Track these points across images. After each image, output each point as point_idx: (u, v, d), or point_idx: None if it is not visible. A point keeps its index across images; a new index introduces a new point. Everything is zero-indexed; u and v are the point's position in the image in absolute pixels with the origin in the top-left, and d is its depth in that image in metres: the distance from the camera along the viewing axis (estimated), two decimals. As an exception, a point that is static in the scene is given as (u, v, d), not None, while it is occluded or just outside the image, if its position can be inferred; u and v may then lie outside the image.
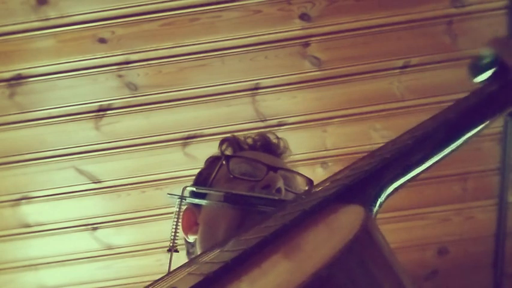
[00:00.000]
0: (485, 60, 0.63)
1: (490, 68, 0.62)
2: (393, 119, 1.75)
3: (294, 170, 0.90)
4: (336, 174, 0.56)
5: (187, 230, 0.89)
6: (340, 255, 0.35)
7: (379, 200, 0.51)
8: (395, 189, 0.52)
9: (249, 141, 0.97)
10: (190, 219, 0.88)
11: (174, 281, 0.50)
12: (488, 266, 2.04)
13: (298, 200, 0.59)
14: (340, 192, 0.49)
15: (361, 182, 0.50)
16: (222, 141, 0.97)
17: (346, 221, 0.42)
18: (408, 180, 0.53)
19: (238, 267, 0.40)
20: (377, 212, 0.50)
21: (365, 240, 0.38)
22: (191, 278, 0.44)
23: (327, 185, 0.54)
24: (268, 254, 0.41)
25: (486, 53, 0.63)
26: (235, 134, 1.02)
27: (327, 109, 1.76)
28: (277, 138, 0.98)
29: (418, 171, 0.53)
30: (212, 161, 0.93)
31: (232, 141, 0.96)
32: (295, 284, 0.33)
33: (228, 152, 0.94)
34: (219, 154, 0.94)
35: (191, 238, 0.88)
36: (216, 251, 0.57)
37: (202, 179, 0.90)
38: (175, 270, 0.58)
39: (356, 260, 0.36)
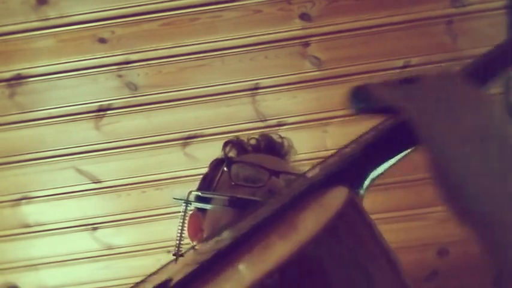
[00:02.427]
0: (359, 100, 0.56)
1: (368, 109, 0.55)
2: (393, 119, 1.75)
3: (298, 171, 0.89)
4: (324, 160, 0.57)
5: (193, 236, 0.88)
6: (323, 232, 0.36)
7: (365, 184, 0.52)
8: (381, 173, 0.53)
9: (253, 142, 0.96)
10: (196, 225, 0.88)
11: (171, 271, 0.51)
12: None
13: (288, 187, 0.60)
14: (327, 177, 0.51)
15: (347, 166, 0.52)
16: (226, 144, 0.96)
17: (330, 200, 0.44)
18: (393, 165, 0.54)
19: (230, 254, 0.41)
20: (363, 195, 0.53)
21: (349, 216, 0.40)
22: (187, 268, 0.45)
23: (315, 172, 0.56)
24: (259, 240, 0.42)
25: (360, 95, 0.56)
26: (238, 135, 1.01)
27: (327, 109, 1.76)
28: (281, 138, 0.98)
29: (401, 156, 0.54)
30: (215, 165, 0.93)
31: (235, 144, 0.96)
32: (284, 261, 0.34)
33: (232, 154, 0.93)
34: (223, 157, 0.93)
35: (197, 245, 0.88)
36: (212, 242, 0.57)
37: (206, 183, 0.90)
38: (171, 261, 0.59)
39: (340, 236, 0.38)
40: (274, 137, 0.98)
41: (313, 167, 0.57)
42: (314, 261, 0.35)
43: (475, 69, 0.55)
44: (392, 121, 0.53)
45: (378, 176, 0.54)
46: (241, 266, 0.40)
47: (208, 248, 0.53)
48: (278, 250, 0.39)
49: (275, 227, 0.44)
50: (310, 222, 0.41)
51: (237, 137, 0.98)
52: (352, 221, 0.40)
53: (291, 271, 0.34)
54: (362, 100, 0.54)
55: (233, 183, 0.82)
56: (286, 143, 0.97)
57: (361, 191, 0.52)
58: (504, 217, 0.44)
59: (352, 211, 0.41)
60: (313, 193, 0.47)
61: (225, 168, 0.84)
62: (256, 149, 0.95)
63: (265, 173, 0.81)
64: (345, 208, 0.40)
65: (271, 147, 0.95)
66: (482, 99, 0.49)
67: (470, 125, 0.46)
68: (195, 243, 0.88)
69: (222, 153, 0.95)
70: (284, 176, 0.83)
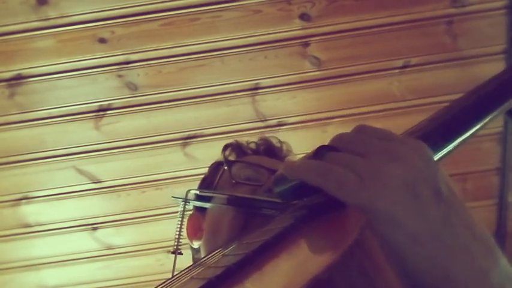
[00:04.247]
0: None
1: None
2: (393, 119, 1.75)
3: None
4: None
5: (192, 236, 0.88)
6: (340, 258, 0.35)
7: None
8: None
9: (252, 145, 0.97)
10: (195, 225, 0.88)
11: (176, 285, 0.50)
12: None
13: (300, 202, 0.59)
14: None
15: None
16: (225, 147, 0.96)
17: (347, 223, 0.42)
18: None
19: (240, 271, 0.40)
20: None
21: (366, 243, 0.38)
22: (194, 282, 0.44)
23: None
24: (269, 258, 0.41)
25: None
26: (238, 135, 1.02)
27: (327, 109, 1.76)
28: (280, 141, 0.98)
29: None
30: (215, 167, 0.93)
31: (235, 147, 0.96)
32: (296, 286, 0.33)
33: (231, 158, 0.93)
34: (222, 159, 0.94)
35: (196, 244, 0.88)
36: (219, 255, 0.56)
37: (206, 185, 0.90)
38: (178, 274, 0.58)
39: (357, 263, 0.36)
40: (273, 140, 0.98)
41: None
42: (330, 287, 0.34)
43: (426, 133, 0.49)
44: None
45: None
46: (251, 286, 0.39)
47: (216, 262, 0.52)
48: (290, 273, 0.38)
49: (287, 245, 0.43)
50: (326, 245, 0.40)
51: (236, 140, 0.99)
52: (369, 247, 0.39)
53: None
54: (282, 184, 0.48)
55: (234, 181, 0.82)
56: (285, 147, 0.97)
57: None
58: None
59: (368, 236, 0.39)
60: (327, 210, 0.45)
61: (226, 168, 0.84)
62: (256, 152, 0.96)
63: (265, 173, 0.81)
64: (363, 233, 0.38)
65: (270, 150, 0.96)
66: (407, 149, 0.44)
67: (398, 177, 0.41)
68: (194, 242, 0.88)
69: (222, 156, 0.95)
70: None
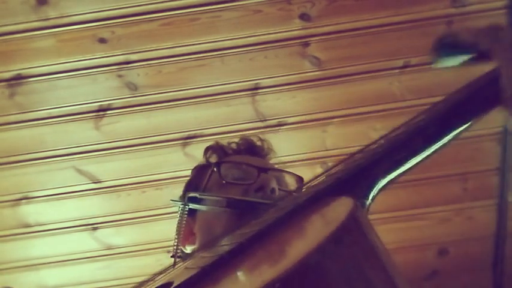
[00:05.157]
0: (462, 45, 0.53)
1: (464, 53, 0.54)
2: (393, 119, 1.75)
3: (283, 169, 0.91)
4: (331, 168, 0.57)
5: (185, 241, 0.88)
6: (326, 243, 0.35)
7: (372, 193, 0.52)
8: (388, 183, 0.53)
9: (233, 146, 0.98)
10: (186, 229, 0.88)
11: (172, 275, 0.51)
12: (488, 266, 2.04)
13: (291, 195, 0.60)
14: (333, 186, 0.50)
15: (354, 175, 0.52)
16: (206, 149, 0.98)
17: (335, 211, 0.43)
18: (401, 174, 0.54)
19: (233, 259, 0.41)
20: (370, 205, 0.52)
21: (353, 229, 0.39)
22: (188, 271, 0.44)
23: (322, 180, 0.55)
24: (261, 246, 0.42)
25: (467, 37, 0.55)
26: (238, 135, 1.02)
27: (326, 109, 1.76)
28: (261, 140, 0.99)
29: (409, 166, 0.54)
30: (200, 169, 0.94)
31: (216, 148, 0.97)
32: (286, 271, 0.33)
33: (213, 159, 0.94)
34: (205, 162, 0.95)
35: (189, 249, 0.88)
36: (213, 247, 0.57)
37: (192, 188, 0.90)
38: (173, 266, 0.59)
39: (343, 247, 0.37)
40: (254, 139, 0.99)
41: (320, 174, 0.57)
42: (316, 272, 0.34)
43: None
44: (404, 129, 0.52)
45: (387, 185, 0.53)
46: (242, 274, 0.39)
47: (210, 253, 0.52)
48: (281, 259, 0.38)
49: (278, 235, 0.43)
50: (314, 232, 0.41)
51: (217, 142, 1.00)
52: (355, 233, 0.39)
53: (293, 281, 0.34)
54: (449, 46, 0.52)
55: (224, 181, 0.82)
56: (265, 145, 0.98)
57: (369, 200, 0.51)
58: None
59: (356, 223, 0.40)
60: (318, 202, 0.46)
61: (215, 169, 0.85)
62: (237, 151, 0.97)
63: (254, 170, 0.82)
64: (348, 220, 0.39)
65: (252, 149, 0.97)
66: None
67: None
68: (186, 247, 0.88)
69: (204, 159, 0.96)
70: (272, 172, 0.84)
